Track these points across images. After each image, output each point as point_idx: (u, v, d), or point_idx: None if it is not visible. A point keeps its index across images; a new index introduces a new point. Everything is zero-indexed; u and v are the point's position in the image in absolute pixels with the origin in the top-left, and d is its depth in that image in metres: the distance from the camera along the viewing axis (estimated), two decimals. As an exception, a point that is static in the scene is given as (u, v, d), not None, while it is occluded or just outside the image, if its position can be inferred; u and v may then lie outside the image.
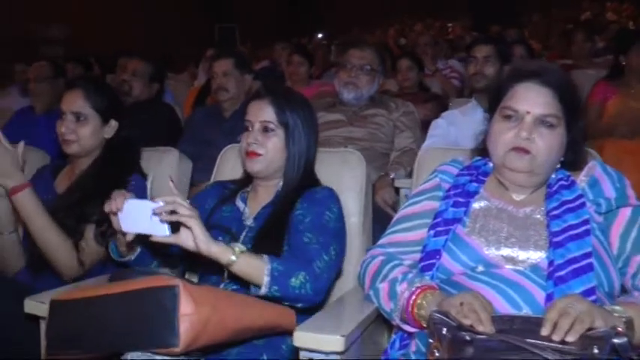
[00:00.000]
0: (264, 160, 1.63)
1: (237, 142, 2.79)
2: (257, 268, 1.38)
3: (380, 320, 1.47)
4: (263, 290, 1.37)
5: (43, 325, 1.48)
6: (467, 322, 1.14)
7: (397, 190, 2.44)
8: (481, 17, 10.38)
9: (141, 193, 1.89)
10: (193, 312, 1.12)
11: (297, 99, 1.68)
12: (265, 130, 1.63)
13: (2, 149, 1.69)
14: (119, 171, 1.89)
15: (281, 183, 1.67)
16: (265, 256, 1.40)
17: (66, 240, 1.74)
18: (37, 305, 1.44)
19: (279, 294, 1.39)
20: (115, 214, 1.38)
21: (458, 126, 2.70)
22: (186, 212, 1.31)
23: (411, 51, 4.43)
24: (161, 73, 3.24)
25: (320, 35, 8.95)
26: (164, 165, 2.04)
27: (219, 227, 1.63)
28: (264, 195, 1.69)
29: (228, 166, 1.96)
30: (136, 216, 1.35)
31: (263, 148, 1.62)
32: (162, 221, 1.32)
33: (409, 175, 2.56)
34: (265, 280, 1.37)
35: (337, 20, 11.06)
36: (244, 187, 1.73)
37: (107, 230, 1.77)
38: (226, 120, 2.89)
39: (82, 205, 1.80)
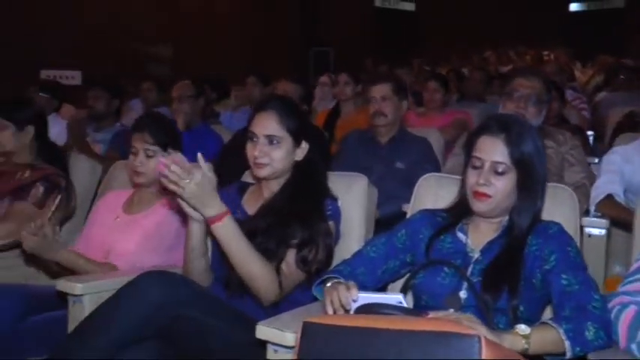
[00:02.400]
0: (492, 201, 1.55)
1: (394, 168, 2.78)
2: (552, 341, 1.32)
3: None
4: (568, 355, 1.32)
5: (270, 351, 1.44)
6: None
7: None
8: (581, 45, 10.09)
9: (338, 219, 1.85)
10: None
11: (531, 132, 1.59)
12: (496, 170, 1.55)
13: (204, 177, 1.60)
14: (313, 194, 1.84)
15: (507, 218, 1.59)
16: (547, 322, 1.34)
17: (267, 265, 1.69)
18: (272, 332, 1.39)
19: (582, 353, 1.33)
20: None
21: (634, 164, 2.55)
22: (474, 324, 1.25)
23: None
24: (309, 95, 3.23)
25: (416, 61, 8.88)
26: (353, 191, 1.98)
27: (443, 262, 1.57)
28: (488, 229, 1.61)
29: (428, 196, 1.89)
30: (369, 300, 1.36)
31: (493, 189, 1.54)
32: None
33: (585, 212, 2.43)
34: (567, 344, 1.31)
35: (433, 46, 10.98)
36: (462, 217, 1.65)
37: (308, 255, 1.73)
38: (383, 146, 2.85)
39: (281, 228, 1.75)
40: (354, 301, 1.37)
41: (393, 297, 1.33)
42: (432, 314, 1.28)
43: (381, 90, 2.84)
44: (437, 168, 2.77)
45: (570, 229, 1.70)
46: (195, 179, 1.57)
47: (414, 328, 1.12)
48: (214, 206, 1.63)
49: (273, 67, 8.03)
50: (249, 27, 10.13)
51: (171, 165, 1.56)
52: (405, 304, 1.32)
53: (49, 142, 2.63)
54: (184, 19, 9.30)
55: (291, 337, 1.35)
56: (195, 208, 1.65)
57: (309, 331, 1.23)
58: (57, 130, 3.61)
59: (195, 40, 9.27)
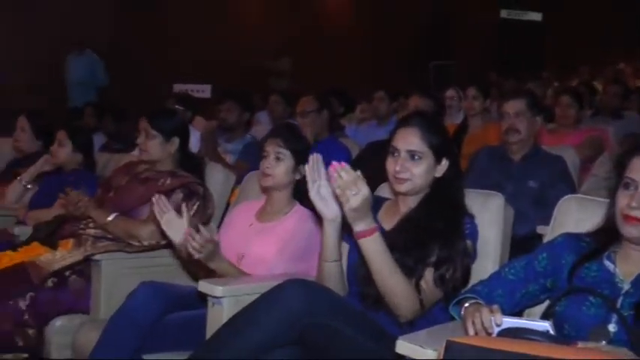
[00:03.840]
0: None
1: (527, 187, 2.70)
2: None
3: None
4: None
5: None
6: None
7: None
8: None
9: (476, 238, 1.82)
10: None
11: None
12: None
13: (369, 193, 1.63)
14: (452, 212, 1.82)
15: None
16: None
17: (408, 282, 1.70)
18: (413, 347, 1.39)
19: None
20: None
21: None
22: None
23: None
24: (441, 110, 3.21)
25: (545, 74, 8.54)
26: (489, 210, 1.94)
27: (589, 291, 1.49)
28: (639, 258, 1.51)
29: (569, 218, 1.80)
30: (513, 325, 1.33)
31: None
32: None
33: None
34: None
35: (560, 58, 10.52)
36: (609, 244, 1.56)
37: (446, 274, 1.72)
38: (515, 164, 2.77)
39: (420, 245, 1.75)
40: (498, 325, 1.34)
41: (540, 324, 1.29)
42: (580, 344, 1.23)
43: (514, 105, 2.77)
44: (572, 188, 2.66)
45: None
46: (363, 194, 1.60)
47: (566, 358, 1.08)
48: (367, 221, 1.66)
49: (392, 80, 8.06)
50: (369, 40, 10.21)
51: (341, 171, 1.60)
52: (552, 333, 1.27)
53: (189, 152, 2.80)
54: (304, 33, 9.54)
55: (432, 354, 1.35)
56: (349, 219, 1.67)
57: (453, 350, 1.22)
58: (191, 141, 3.83)
59: (314, 54, 9.46)
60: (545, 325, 1.29)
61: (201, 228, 2.01)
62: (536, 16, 12.45)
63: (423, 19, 10.70)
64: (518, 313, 1.70)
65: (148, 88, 7.08)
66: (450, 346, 1.23)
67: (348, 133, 4.53)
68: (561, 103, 3.82)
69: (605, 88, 5.25)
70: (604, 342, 1.30)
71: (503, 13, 12.15)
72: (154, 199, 2.17)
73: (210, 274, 2.09)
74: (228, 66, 8.35)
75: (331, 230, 1.76)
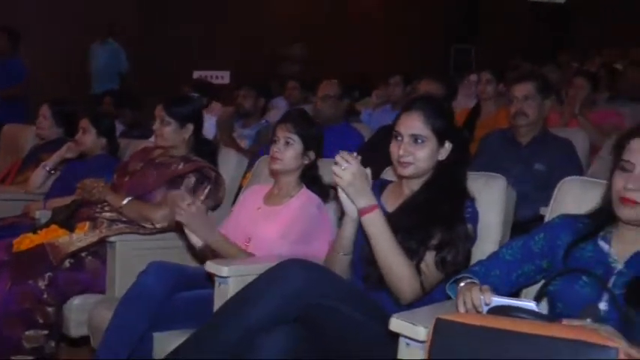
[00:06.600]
0: None
1: (533, 170, 2.70)
2: None
3: None
4: None
5: (402, 344, 1.47)
6: None
7: None
8: None
9: (476, 221, 1.85)
10: None
11: None
12: None
13: (360, 168, 1.70)
14: (454, 196, 1.85)
15: None
16: None
17: (409, 264, 1.73)
18: (405, 325, 1.43)
19: None
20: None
21: None
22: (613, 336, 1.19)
23: None
24: (454, 94, 3.21)
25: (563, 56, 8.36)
26: (491, 192, 1.97)
27: (582, 271, 1.51)
28: (634, 240, 1.52)
29: (569, 200, 1.82)
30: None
31: None
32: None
33: None
34: None
35: (585, 41, 10.28)
36: (605, 224, 1.58)
37: (447, 256, 1.75)
38: (523, 147, 2.77)
39: (422, 228, 1.78)
40: (487, 304, 1.38)
41: (527, 304, 1.33)
42: (565, 322, 1.26)
43: (523, 89, 2.76)
44: (580, 171, 2.65)
45: None
46: (352, 168, 1.68)
47: (549, 334, 1.11)
48: (367, 197, 1.72)
49: (412, 64, 8.02)
50: (390, 23, 10.13)
51: (337, 157, 1.70)
52: (537, 311, 1.30)
53: (203, 137, 2.86)
54: (323, 18, 9.50)
55: (423, 332, 1.38)
56: (350, 198, 1.74)
57: (441, 328, 1.26)
58: (205, 126, 3.88)
59: (330, 39, 9.42)
60: (531, 305, 1.32)
61: (183, 192, 2.15)
62: (558, -1, 12.14)
63: (449, 3, 10.58)
64: (516, 294, 1.72)
65: (167, 75, 7.16)
66: (439, 324, 1.27)
67: (364, 118, 4.55)
68: (574, 85, 3.79)
69: (623, 70, 5.15)
70: (589, 320, 1.32)
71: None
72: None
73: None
74: (245, 53, 8.38)
75: (349, 227, 1.82)
